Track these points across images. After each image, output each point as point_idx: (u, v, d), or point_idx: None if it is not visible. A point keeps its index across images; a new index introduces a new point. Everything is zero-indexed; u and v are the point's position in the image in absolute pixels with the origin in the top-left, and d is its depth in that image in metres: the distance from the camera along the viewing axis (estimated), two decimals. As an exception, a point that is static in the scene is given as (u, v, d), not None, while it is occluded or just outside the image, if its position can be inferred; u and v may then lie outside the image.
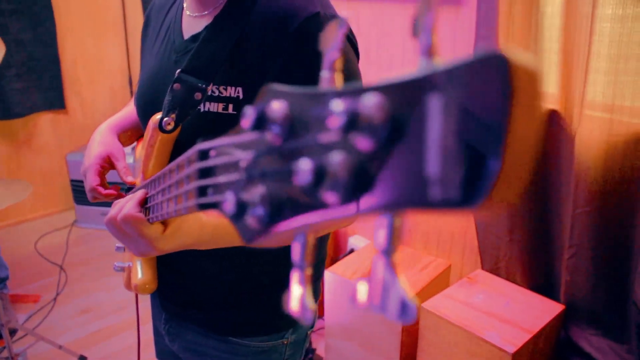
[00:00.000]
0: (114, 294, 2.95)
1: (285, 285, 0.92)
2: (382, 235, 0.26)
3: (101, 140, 1.07)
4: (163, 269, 0.99)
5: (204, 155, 0.43)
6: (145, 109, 1.00)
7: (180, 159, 0.52)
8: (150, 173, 0.93)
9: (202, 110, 0.87)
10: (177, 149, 0.91)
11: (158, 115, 0.89)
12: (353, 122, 0.25)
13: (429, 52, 0.24)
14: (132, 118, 1.15)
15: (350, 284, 1.57)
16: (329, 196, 0.26)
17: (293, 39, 0.82)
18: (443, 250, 2.34)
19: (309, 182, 0.26)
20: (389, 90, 0.24)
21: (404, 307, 0.24)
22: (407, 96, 0.24)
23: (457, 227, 2.26)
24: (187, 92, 0.86)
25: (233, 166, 0.37)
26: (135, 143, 1.17)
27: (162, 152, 0.92)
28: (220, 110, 0.86)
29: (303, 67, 0.82)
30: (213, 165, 0.41)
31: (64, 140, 3.85)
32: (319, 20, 0.82)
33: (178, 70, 0.86)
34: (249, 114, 0.32)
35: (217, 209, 0.38)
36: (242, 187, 0.34)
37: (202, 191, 0.43)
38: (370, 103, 0.24)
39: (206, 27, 0.90)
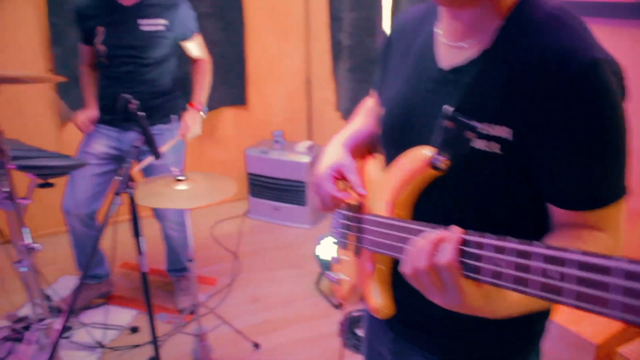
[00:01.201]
0: (282, 287, 3.08)
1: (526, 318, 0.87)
2: None
3: (334, 153, 1.10)
4: (399, 290, 0.99)
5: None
6: (394, 134, 1.01)
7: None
8: (401, 203, 0.95)
9: (470, 148, 0.86)
10: (437, 184, 0.91)
11: (425, 150, 0.89)
12: None
13: None
14: (363, 134, 1.17)
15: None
16: None
17: (570, 85, 0.77)
18: None
19: None
20: None
21: None
22: None
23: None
24: (458, 131, 0.85)
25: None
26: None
27: (420, 186, 0.93)
28: (487, 149, 0.84)
29: (578, 116, 0.78)
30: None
31: (243, 134, 4.09)
32: (600, 67, 0.77)
33: (451, 109, 0.85)
34: None
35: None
36: None
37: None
38: None
39: (473, 62, 0.88)
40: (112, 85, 2.63)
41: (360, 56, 3.45)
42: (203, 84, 2.83)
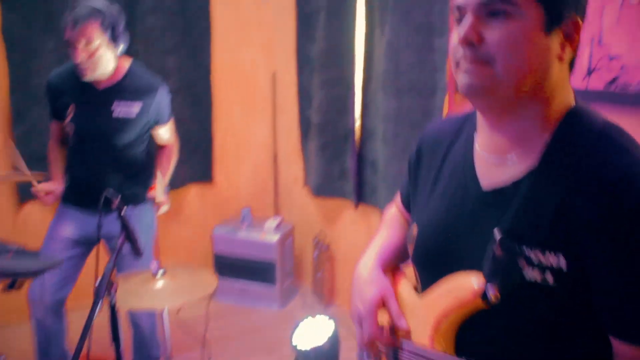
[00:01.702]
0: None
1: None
2: None
3: (370, 278, 1.04)
4: None
5: None
6: (430, 257, 0.96)
7: None
8: (443, 332, 0.88)
9: (521, 278, 0.80)
10: (483, 313, 0.84)
11: (473, 279, 0.82)
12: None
13: None
14: (391, 248, 1.12)
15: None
16: None
17: (632, 215, 0.74)
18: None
19: None
20: None
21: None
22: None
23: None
24: (508, 259, 0.79)
25: None
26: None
27: (465, 316, 0.86)
28: (539, 280, 0.79)
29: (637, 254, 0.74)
30: None
31: (209, 211, 3.97)
32: None
33: (500, 235, 0.80)
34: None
35: None
36: None
37: None
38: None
39: (519, 182, 0.83)
40: (81, 165, 2.52)
41: (330, 134, 3.43)
42: (168, 167, 2.73)
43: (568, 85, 0.87)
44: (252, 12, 3.89)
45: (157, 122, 2.59)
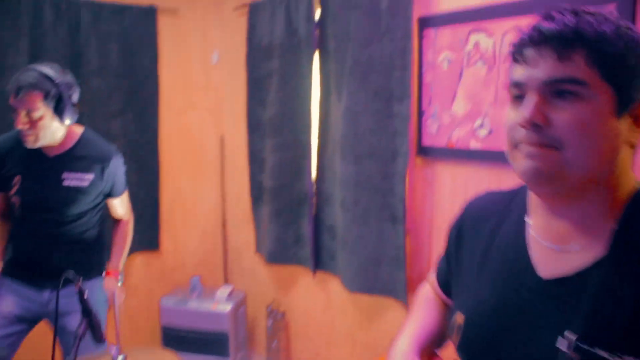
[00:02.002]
0: None
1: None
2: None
3: None
4: None
5: None
6: (480, 349, 0.88)
7: None
8: None
9: None
10: None
11: None
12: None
13: None
14: (426, 333, 1.05)
15: None
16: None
17: None
18: None
19: None
20: None
21: None
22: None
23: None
24: None
25: None
26: None
27: None
28: None
29: None
30: None
31: (155, 281, 3.76)
32: None
33: (574, 338, 0.73)
34: None
35: None
36: None
37: None
38: None
39: (584, 273, 0.77)
40: (26, 238, 2.32)
41: (285, 198, 3.36)
42: (123, 248, 2.56)
43: (631, 168, 0.83)
44: (200, 75, 3.84)
45: (110, 194, 2.44)
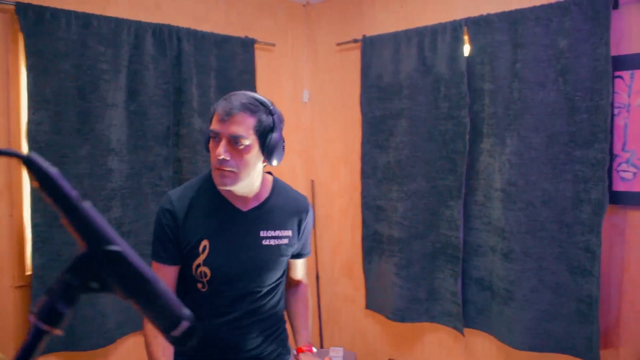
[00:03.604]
0: None
1: None
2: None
3: None
4: None
5: None
6: None
7: None
8: None
9: None
10: None
11: None
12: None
13: None
14: None
15: None
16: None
17: None
18: None
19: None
20: None
21: None
22: None
23: None
24: None
25: None
26: None
27: None
28: None
29: None
30: None
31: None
32: None
33: None
34: None
35: None
36: None
37: None
38: None
39: None
40: (215, 322, 1.79)
41: (416, 249, 3.08)
42: (308, 316, 2.07)
43: None
44: (291, 113, 3.49)
45: (301, 254, 2.05)
